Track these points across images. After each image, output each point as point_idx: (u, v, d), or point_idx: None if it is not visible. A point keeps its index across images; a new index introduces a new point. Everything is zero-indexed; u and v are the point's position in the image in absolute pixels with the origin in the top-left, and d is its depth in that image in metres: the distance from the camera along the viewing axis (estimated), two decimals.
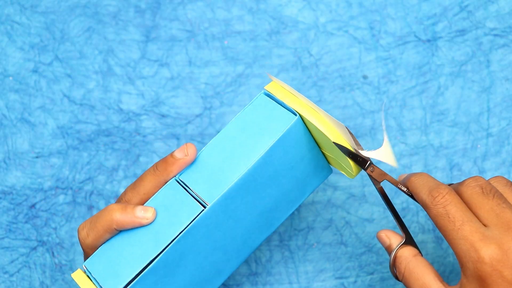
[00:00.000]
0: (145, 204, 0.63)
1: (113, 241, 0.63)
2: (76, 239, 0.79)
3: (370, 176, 0.63)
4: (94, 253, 0.63)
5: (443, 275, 0.77)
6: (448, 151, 0.79)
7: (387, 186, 0.79)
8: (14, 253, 0.79)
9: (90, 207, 0.79)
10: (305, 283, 0.78)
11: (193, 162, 0.64)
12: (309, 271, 0.78)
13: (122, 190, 0.79)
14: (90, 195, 0.79)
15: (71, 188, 0.79)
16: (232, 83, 0.81)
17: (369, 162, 0.63)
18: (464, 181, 0.60)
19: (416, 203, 0.78)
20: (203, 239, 0.63)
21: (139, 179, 0.64)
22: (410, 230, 0.78)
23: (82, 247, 0.64)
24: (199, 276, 0.66)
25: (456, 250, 0.58)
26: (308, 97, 0.80)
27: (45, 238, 0.79)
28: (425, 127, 0.79)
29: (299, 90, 0.80)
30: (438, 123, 0.79)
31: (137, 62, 0.81)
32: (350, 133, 0.63)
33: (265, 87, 0.64)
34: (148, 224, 0.62)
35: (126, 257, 0.62)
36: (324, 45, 0.81)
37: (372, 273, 0.78)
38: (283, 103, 0.64)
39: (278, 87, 0.64)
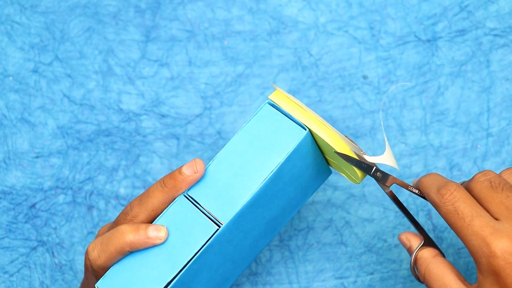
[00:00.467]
0: (155, 222, 0.62)
1: (125, 261, 0.62)
2: (76, 239, 0.79)
3: (377, 181, 0.64)
4: (107, 273, 0.61)
5: None
6: (448, 151, 0.79)
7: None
8: (14, 253, 0.79)
9: (90, 207, 0.79)
10: (305, 283, 0.78)
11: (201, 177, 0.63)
12: (309, 271, 0.78)
13: (122, 190, 0.79)
14: (90, 195, 0.79)
15: (71, 188, 0.79)
16: (232, 83, 0.81)
17: (374, 167, 0.63)
18: (473, 176, 0.60)
19: (416, 203, 0.78)
20: (216, 255, 0.63)
21: (146, 195, 0.63)
22: (410, 230, 0.78)
23: (91, 267, 0.63)
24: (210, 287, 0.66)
25: (468, 246, 0.57)
26: (308, 97, 0.80)
27: (45, 238, 0.79)
28: (425, 127, 0.79)
29: (299, 90, 0.80)
30: (438, 123, 0.79)
31: (137, 62, 0.81)
32: (352, 141, 0.63)
33: (269, 97, 0.64)
34: (161, 244, 0.61)
35: (142, 278, 0.60)
36: (324, 45, 0.81)
37: (372, 273, 0.78)
38: (289, 115, 0.63)
39: (282, 96, 0.63)
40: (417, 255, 0.62)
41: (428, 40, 0.80)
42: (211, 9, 0.81)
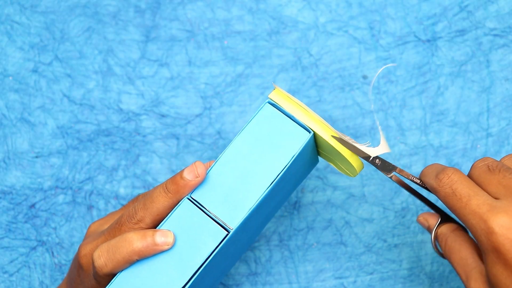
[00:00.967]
0: (161, 227, 0.62)
1: (133, 268, 0.61)
2: (76, 239, 0.79)
3: (378, 168, 0.64)
4: (114, 281, 0.61)
5: (443, 275, 0.77)
6: (448, 151, 0.79)
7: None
8: (13, 253, 0.79)
9: (90, 207, 0.79)
10: (304, 283, 0.78)
11: (204, 180, 0.62)
12: (309, 271, 0.78)
13: (122, 190, 0.79)
14: (90, 195, 0.79)
15: (71, 188, 0.79)
16: (232, 83, 0.81)
17: (372, 157, 0.64)
18: (473, 163, 0.61)
19: (416, 203, 0.78)
20: (222, 256, 0.63)
21: (150, 199, 0.62)
22: (410, 230, 0.78)
23: (96, 273, 0.62)
24: (211, 284, 0.66)
25: (468, 226, 0.57)
26: (308, 97, 0.80)
27: (44, 238, 0.79)
28: (425, 127, 0.79)
29: (299, 90, 0.80)
30: (438, 123, 0.79)
31: (137, 62, 0.81)
32: (353, 140, 0.63)
33: (269, 96, 0.63)
34: (168, 249, 0.61)
35: (152, 286, 0.60)
36: (324, 45, 0.81)
37: (371, 273, 0.78)
38: (291, 115, 0.63)
39: (282, 95, 0.63)
40: (436, 232, 0.63)
41: (428, 40, 0.80)
42: (211, 9, 0.81)
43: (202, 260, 0.60)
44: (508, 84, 0.80)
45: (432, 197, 0.77)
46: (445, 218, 0.64)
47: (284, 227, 0.78)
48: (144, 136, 0.80)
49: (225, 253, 0.63)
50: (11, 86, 0.81)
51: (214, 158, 0.79)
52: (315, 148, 0.66)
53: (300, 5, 0.81)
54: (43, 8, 0.82)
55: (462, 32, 0.80)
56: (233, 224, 0.61)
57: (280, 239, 0.78)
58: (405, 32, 0.81)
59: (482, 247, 0.57)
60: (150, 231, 0.61)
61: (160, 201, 0.62)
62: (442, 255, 0.63)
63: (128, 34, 0.81)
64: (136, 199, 0.69)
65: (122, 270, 0.61)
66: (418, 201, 0.78)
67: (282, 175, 0.62)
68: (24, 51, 0.81)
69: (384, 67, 0.64)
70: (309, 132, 0.62)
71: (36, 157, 0.80)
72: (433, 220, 0.64)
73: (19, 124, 0.80)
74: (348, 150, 0.63)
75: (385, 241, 0.78)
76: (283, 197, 0.68)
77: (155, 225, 0.63)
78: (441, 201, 0.60)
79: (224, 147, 0.80)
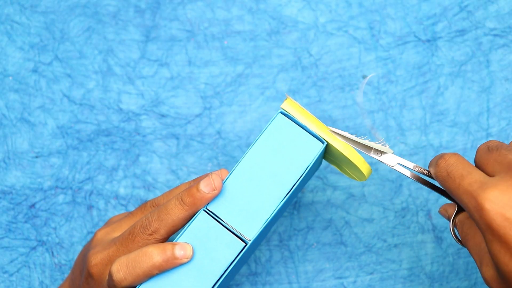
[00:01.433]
0: (178, 239, 0.62)
1: (152, 281, 0.61)
2: (75, 239, 0.79)
3: (380, 159, 0.64)
4: None
5: (443, 275, 0.77)
6: (448, 151, 0.79)
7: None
8: (13, 252, 0.79)
9: (90, 207, 0.79)
10: (304, 283, 0.78)
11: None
12: (309, 271, 0.78)
13: (122, 190, 0.79)
14: (90, 195, 0.79)
15: (71, 188, 0.79)
16: (232, 83, 0.81)
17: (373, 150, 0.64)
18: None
19: (416, 203, 0.78)
20: (238, 265, 0.64)
21: (165, 210, 0.62)
22: (410, 230, 0.78)
23: (114, 286, 0.62)
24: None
25: (463, 206, 0.57)
26: (308, 97, 0.80)
27: (44, 238, 0.79)
28: (424, 127, 0.79)
29: (298, 90, 0.80)
30: (437, 123, 0.79)
31: (137, 62, 0.81)
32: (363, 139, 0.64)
33: (281, 106, 0.64)
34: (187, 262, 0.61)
35: None
36: (323, 45, 0.81)
37: (371, 273, 0.78)
38: (303, 125, 0.63)
39: (294, 106, 0.64)
40: (454, 220, 0.62)
41: (428, 40, 0.80)
42: (211, 9, 0.81)
43: (221, 272, 0.61)
44: (508, 84, 0.80)
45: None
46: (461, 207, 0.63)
47: (284, 227, 0.78)
48: (144, 136, 0.80)
49: (241, 262, 0.63)
50: (11, 86, 0.81)
51: (214, 158, 0.79)
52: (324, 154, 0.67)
53: (300, 5, 0.81)
54: (43, 8, 0.82)
55: (462, 32, 0.80)
56: (251, 235, 0.61)
57: (280, 239, 0.78)
58: (405, 32, 0.81)
59: (479, 227, 0.56)
60: (169, 245, 0.61)
61: (176, 213, 0.62)
62: (461, 243, 0.62)
63: (128, 34, 0.81)
64: (144, 206, 0.68)
65: (142, 283, 0.61)
66: (418, 201, 0.78)
67: (297, 186, 0.62)
68: (24, 51, 0.81)
69: (365, 81, 0.64)
70: (323, 143, 0.63)
71: (36, 157, 0.80)
72: (451, 209, 0.63)
73: (19, 124, 0.80)
74: (360, 158, 0.63)
75: (385, 241, 0.78)
76: (291, 201, 0.68)
77: (169, 236, 0.63)
78: (441, 186, 0.60)
79: (224, 147, 0.80)
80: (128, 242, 0.63)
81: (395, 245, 0.78)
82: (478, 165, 0.59)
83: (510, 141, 0.79)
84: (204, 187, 0.62)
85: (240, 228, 0.61)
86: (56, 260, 0.79)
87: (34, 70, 0.81)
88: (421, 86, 0.80)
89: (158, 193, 0.79)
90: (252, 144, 0.63)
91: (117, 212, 0.79)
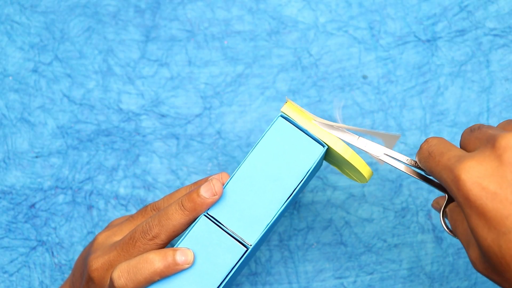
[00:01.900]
0: (179, 245, 0.62)
1: (153, 287, 0.61)
2: (75, 239, 0.79)
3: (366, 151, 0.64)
4: None
5: (443, 275, 0.77)
6: None
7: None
8: (13, 252, 0.79)
9: (90, 207, 0.79)
10: (304, 283, 0.78)
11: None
12: (309, 271, 0.78)
13: (122, 190, 0.79)
14: (90, 195, 0.79)
15: (71, 188, 0.79)
16: (232, 83, 0.81)
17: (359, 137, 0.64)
18: None
19: (416, 203, 0.78)
20: (239, 270, 0.64)
21: (165, 216, 0.62)
22: (410, 230, 0.78)
23: None
24: None
25: (442, 183, 0.56)
26: (308, 97, 0.80)
27: (44, 238, 0.79)
28: (424, 127, 0.79)
29: (299, 90, 0.80)
30: (437, 123, 0.79)
31: (137, 62, 0.81)
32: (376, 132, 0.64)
33: (281, 110, 0.64)
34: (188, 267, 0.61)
35: None
36: (324, 45, 0.81)
37: (371, 273, 0.78)
38: (304, 129, 0.63)
39: (294, 109, 0.64)
40: (445, 211, 0.62)
41: (428, 40, 0.80)
42: (211, 9, 0.81)
43: (222, 277, 0.61)
44: (508, 84, 0.80)
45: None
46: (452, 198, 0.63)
47: (284, 227, 0.78)
48: (144, 136, 0.80)
49: (243, 266, 0.63)
50: (11, 86, 0.81)
51: (214, 158, 0.80)
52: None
53: (300, 5, 0.81)
54: (43, 8, 0.82)
55: (462, 32, 0.80)
56: (252, 240, 0.61)
57: (280, 239, 0.78)
58: (405, 32, 0.81)
59: (458, 203, 0.55)
60: (170, 251, 0.61)
61: (176, 219, 0.62)
62: (452, 233, 0.61)
63: (128, 34, 0.81)
64: (144, 210, 0.68)
65: None
66: (418, 201, 0.78)
67: (297, 189, 0.62)
68: (24, 51, 0.81)
69: (338, 107, 0.64)
70: (323, 146, 0.63)
71: (36, 157, 0.80)
72: (443, 200, 0.63)
73: (19, 124, 0.80)
74: (361, 161, 0.63)
75: (385, 241, 0.78)
76: (291, 204, 0.68)
77: (170, 241, 0.63)
78: (424, 168, 0.59)
79: (224, 147, 0.80)
80: (128, 247, 0.63)
81: (395, 245, 0.78)
82: (462, 146, 0.58)
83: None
84: (205, 192, 0.62)
85: (241, 233, 0.61)
86: (56, 260, 0.79)
87: (34, 70, 0.81)
88: (421, 86, 0.80)
89: (158, 193, 0.79)
90: (253, 148, 0.63)
91: (117, 212, 0.79)
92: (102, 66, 0.81)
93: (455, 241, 0.78)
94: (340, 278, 0.78)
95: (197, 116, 0.80)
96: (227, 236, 0.61)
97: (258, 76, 0.81)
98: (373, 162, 0.79)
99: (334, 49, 0.81)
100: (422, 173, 0.63)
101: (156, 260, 0.61)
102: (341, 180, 0.79)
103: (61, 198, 0.79)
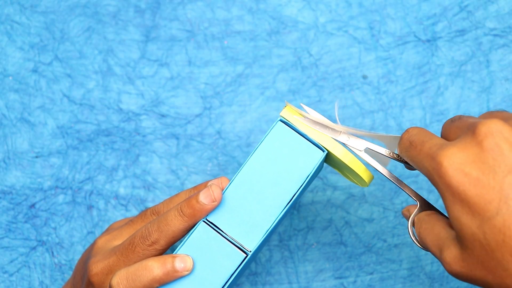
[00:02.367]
0: (178, 251, 0.62)
1: None
2: (75, 239, 0.79)
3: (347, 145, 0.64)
4: None
5: (443, 275, 0.77)
6: None
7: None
8: (13, 252, 0.79)
9: (90, 207, 0.79)
10: (304, 283, 0.78)
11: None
12: (309, 271, 0.78)
13: (122, 190, 0.79)
14: (90, 195, 0.79)
15: (71, 188, 0.79)
16: (232, 83, 0.81)
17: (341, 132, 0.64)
18: None
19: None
20: (239, 276, 0.63)
21: (164, 221, 0.62)
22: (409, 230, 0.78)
23: None
24: None
25: (423, 172, 0.55)
26: (308, 97, 0.80)
27: (44, 238, 0.79)
28: (424, 127, 0.79)
29: (299, 90, 0.80)
30: (438, 123, 0.79)
31: (137, 62, 0.81)
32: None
33: (280, 114, 0.64)
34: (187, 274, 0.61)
35: None
36: (323, 45, 0.81)
37: (371, 273, 0.78)
38: (304, 134, 0.63)
39: (294, 113, 0.63)
40: (413, 219, 0.61)
41: (428, 40, 0.80)
42: (211, 9, 0.81)
43: (222, 284, 0.61)
44: (508, 84, 0.80)
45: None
46: (425, 207, 0.62)
47: (284, 227, 0.78)
48: (144, 136, 0.80)
49: (243, 272, 0.63)
50: (11, 86, 0.81)
51: (214, 158, 0.80)
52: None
53: (300, 5, 0.81)
54: (43, 8, 0.82)
55: (462, 32, 0.81)
56: (251, 246, 0.61)
57: (280, 239, 0.78)
58: (405, 32, 0.81)
59: (439, 191, 0.54)
60: (169, 258, 0.61)
61: (175, 224, 0.62)
62: (418, 242, 0.61)
63: (128, 34, 0.81)
64: (144, 214, 0.68)
65: None
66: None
67: (297, 195, 0.62)
68: (24, 51, 0.81)
69: (336, 106, 0.65)
70: (323, 151, 0.62)
71: (36, 157, 0.80)
72: (413, 209, 0.62)
73: (19, 124, 0.80)
74: (361, 165, 0.63)
75: (385, 241, 0.78)
76: (291, 209, 0.68)
77: (169, 247, 0.63)
78: (405, 158, 0.58)
79: (224, 147, 0.80)
80: (128, 252, 0.63)
81: (395, 245, 0.78)
82: (443, 136, 0.58)
83: None
84: (204, 198, 0.61)
85: (240, 239, 0.61)
86: (56, 260, 0.79)
87: (34, 70, 0.81)
88: (421, 86, 0.80)
89: (158, 193, 0.79)
90: (252, 153, 0.63)
91: (117, 212, 0.79)
92: (102, 66, 0.81)
93: None
94: (340, 278, 0.78)
95: (197, 116, 0.80)
96: (226, 242, 0.61)
97: (258, 76, 0.81)
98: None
99: (334, 49, 0.81)
100: (401, 166, 0.63)
101: (155, 267, 0.60)
102: (341, 180, 0.79)
103: (61, 198, 0.79)
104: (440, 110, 0.79)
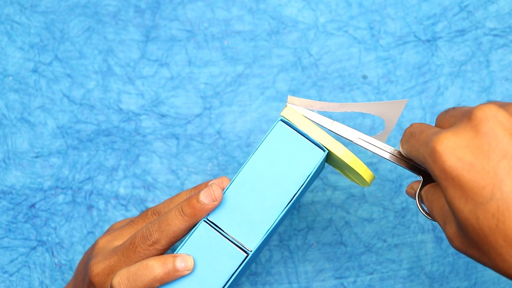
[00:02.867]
0: (179, 251, 0.62)
1: None
2: (75, 239, 0.79)
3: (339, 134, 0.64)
4: None
5: (443, 275, 0.77)
6: None
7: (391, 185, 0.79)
8: (13, 252, 0.79)
9: (90, 207, 0.79)
10: (304, 283, 0.78)
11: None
12: (309, 271, 0.78)
13: (122, 190, 0.79)
14: (90, 195, 0.79)
15: (71, 188, 0.79)
16: (232, 83, 0.81)
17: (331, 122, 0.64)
18: None
19: (416, 203, 0.78)
20: (240, 275, 0.63)
21: (165, 221, 0.62)
22: (410, 230, 0.78)
23: None
24: None
25: (421, 159, 0.56)
26: (308, 97, 0.80)
27: (44, 238, 0.79)
28: None
29: (298, 90, 0.80)
30: None
31: (137, 62, 0.81)
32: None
33: (281, 114, 0.64)
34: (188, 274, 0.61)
35: None
36: (324, 45, 0.81)
37: (371, 273, 0.78)
38: (305, 133, 0.63)
39: (294, 113, 0.63)
40: (420, 194, 0.61)
41: (428, 40, 0.80)
42: (211, 9, 0.81)
43: (222, 284, 0.61)
44: (508, 84, 0.80)
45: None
46: (427, 180, 0.62)
47: (284, 227, 0.78)
48: (144, 136, 0.80)
49: (243, 272, 0.63)
50: (11, 86, 0.81)
51: (214, 158, 0.80)
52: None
53: (300, 5, 0.81)
54: (43, 8, 0.82)
55: (462, 32, 0.81)
56: (252, 245, 0.61)
57: (280, 239, 0.78)
58: (405, 32, 0.81)
59: (434, 176, 0.54)
60: (170, 257, 0.61)
61: (176, 224, 0.62)
62: (429, 215, 0.61)
63: (128, 34, 0.81)
64: (145, 214, 0.68)
65: None
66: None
67: (298, 194, 0.62)
68: (24, 51, 0.81)
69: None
70: (324, 151, 0.62)
71: (36, 157, 0.80)
72: (417, 185, 0.62)
73: (19, 124, 0.80)
74: (362, 165, 0.63)
75: (385, 241, 0.78)
76: (292, 209, 0.68)
77: (170, 246, 0.63)
78: (405, 150, 0.59)
79: (224, 147, 0.80)
80: (129, 253, 0.63)
81: (395, 245, 0.78)
82: (437, 126, 0.59)
83: None
84: (204, 198, 0.61)
85: (241, 239, 0.61)
86: (56, 260, 0.79)
87: (34, 70, 0.81)
88: (421, 86, 0.80)
89: (158, 193, 0.79)
90: (253, 153, 0.63)
91: (117, 212, 0.79)
92: (102, 66, 0.81)
93: None
94: (340, 278, 0.78)
95: (197, 116, 0.80)
96: (227, 242, 0.61)
97: (258, 76, 0.81)
98: (373, 163, 0.79)
99: (334, 49, 0.81)
100: (394, 154, 0.63)
101: (156, 267, 0.61)
102: (341, 180, 0.79)
103: (61, 198, 0.79)
104: (440, 110, 0.79)
